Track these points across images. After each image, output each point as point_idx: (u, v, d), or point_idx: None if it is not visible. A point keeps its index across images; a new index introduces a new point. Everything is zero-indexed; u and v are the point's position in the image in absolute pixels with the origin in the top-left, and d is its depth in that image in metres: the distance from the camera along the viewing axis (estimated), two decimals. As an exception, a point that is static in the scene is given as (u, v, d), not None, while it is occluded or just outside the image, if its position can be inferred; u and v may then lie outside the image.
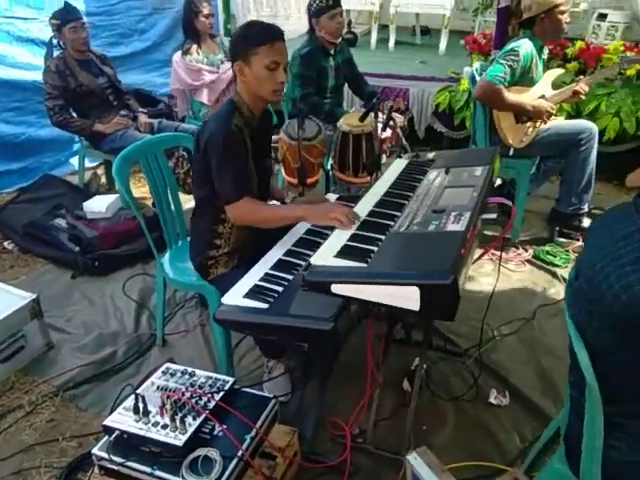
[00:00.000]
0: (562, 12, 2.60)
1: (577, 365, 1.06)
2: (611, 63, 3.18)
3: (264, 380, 1.93)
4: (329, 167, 2.88)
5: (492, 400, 1.98)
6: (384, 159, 2.94)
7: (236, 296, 1.47)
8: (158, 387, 1.54)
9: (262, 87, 1.65)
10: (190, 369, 1.63)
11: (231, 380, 1.57)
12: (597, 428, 1.06)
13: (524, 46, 2.59)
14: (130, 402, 1.46)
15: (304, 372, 1.85)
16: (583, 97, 2.79)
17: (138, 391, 1.48)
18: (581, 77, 2.86)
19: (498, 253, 2.90)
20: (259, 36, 1.60)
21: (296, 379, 1.97)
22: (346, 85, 3.39)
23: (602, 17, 4.81)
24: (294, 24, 5.51)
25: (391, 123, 2.57)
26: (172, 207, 2.06)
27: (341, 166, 2.74)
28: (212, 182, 1.68)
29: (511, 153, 2.80)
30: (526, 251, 2.94)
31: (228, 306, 1.44)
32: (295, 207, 1.87)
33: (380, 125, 2.54)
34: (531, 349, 2.25)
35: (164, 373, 1.62)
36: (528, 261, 2.88)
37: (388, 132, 2.82)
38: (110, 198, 3.01)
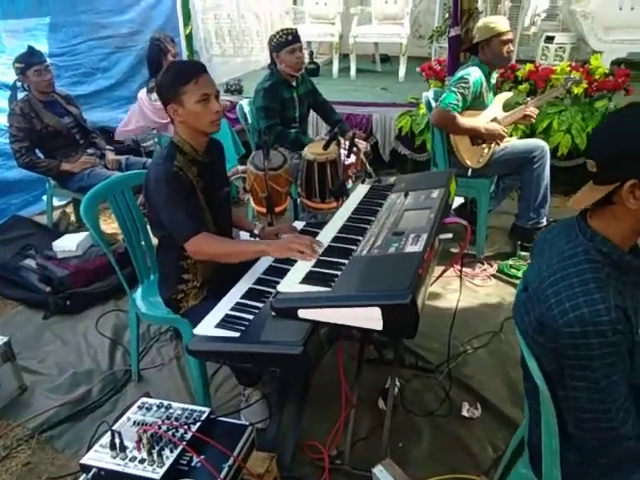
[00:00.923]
0: (503, 42, 2.76)
1: (529, 373, 1.13)
2: (558, 83, 3.37)
3: (241, 408, 1.95)
4: (297, 195, 2.96)
5: (465, 413, 2.04)
6: (350, 184, 3.05)
7: (208, 327, 1.51)
8: (134, 422, 1.55)
9: (200, 121, 1.69)
10: (166, 402, 1.64)
11: (207, 410, 1.59)
12: (552, 431, 1.12)
13: (473, 73, 2.74)
14: (107, 439, 1.47)
15: (280, 397, 1.87)
16: (533, 120, 2.95)
17: (114, 427, 1.49)
18: (528, 99, 3.03)
19: (465, 270, 3.04)
20: (183, 75, 1.66)
21: (273, 405, 2.00)
22: (312, 114, 3.50)
23: (550, 39, 5.10)
24: (256, 56, 5.67)
25: (354, 149, 2.68)
26: (142, 242, 2.10)
27: (308, 193, 2.81)
28: (163, 224, 1.72)
29: (470, 174, 2.93)
30: (491, 266, 3.05)
31: (200, 337, 1.47)
32: (257, 241, 1.92)
33: (344, 152, 2.64)
34: (500, 361, 2.32)
35: (140, 408, 1.63)
36: (494, 275, 2.98)
37: (352, 158, 2.92)
38: (80, 236, 3.02)
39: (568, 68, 3.89)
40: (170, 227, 1.70)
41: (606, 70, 3.90)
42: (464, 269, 3.04)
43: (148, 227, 2.01)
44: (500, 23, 2.76)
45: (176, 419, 1.56)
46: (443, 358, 2.26)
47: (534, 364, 1.08)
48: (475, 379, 2.20)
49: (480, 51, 2.80)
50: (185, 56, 4.28)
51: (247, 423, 1.63)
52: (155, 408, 1.62)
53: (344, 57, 5.72)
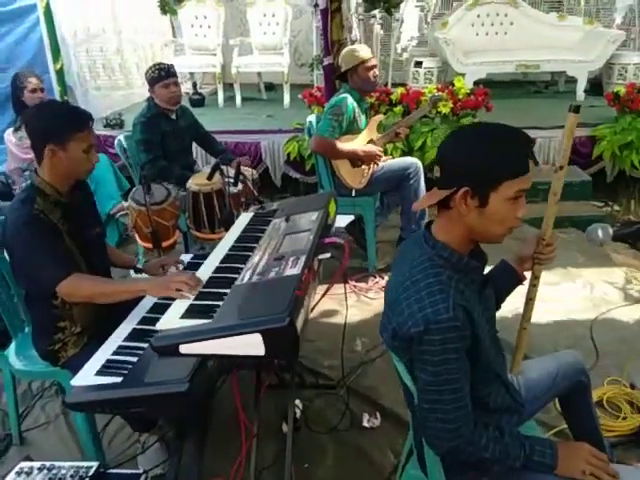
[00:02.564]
0: (368, 68, 2.94)
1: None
2: (425, 104, 3.65)
3: (137, 454, 1.86)
4: (185, 227, 2.91)
5: (365, 424, 2.10)
6: (241, 212, 3.06)
7: (87, 376, 1.43)
8: (12, 491, 1.43)
9: (78, 169, 1.68)
10: (48, 463, 1.52)
11: (95, 464, 1.50)
12: (427, 428, 1.20)
13: (345, 100, 2.90)
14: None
15: (178, 438, 1.81)
16: (402, 137, 3.18)
17: (-12, 501, 1.36)
18: (399, 120, 3.27)
19: (360, 285, 3.16)
20: (78, 121, 1.64)
21: (171, 447, 1.93)
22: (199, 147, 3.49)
23: (419, 64, 5.52)
24: (139, 88, 5.52)
25: (241, 177, 2.71)
26: (12, 292, 1.95)
27: (197, 225, 2.79)
28: (28, 272, 1.63)
29: (354, 194, 3.07)
30: (383, 278, 3.20)
31: (79, 388, 1.39)
32: (135, 280, 1.86)
33: (230, 181, 2.65)
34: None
35: (18, 474, 1.49)
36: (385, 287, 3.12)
37: (240, 186, 2.94)
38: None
39: (435, 90, 4.23)
40: (37, 273, 1.60)
41: (468, 90, 4.30)
42: (358, 284, 3.16)
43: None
44: (363, 51, 2.95)
45: (61, 479, 1.46)
46: (344, 372, 2.32)
47: (402, 367, 1.15)
48: (373, 389, 2.28)
49: (349, 79, 2.97)
50: (57, 92, 4.09)
51: (141, 470, 1.56)
52: (36, 471, 1.50)
53: (229, 86, 5.77)
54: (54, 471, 1.50)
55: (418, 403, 1.15)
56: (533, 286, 1.42)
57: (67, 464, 1.53)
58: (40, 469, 1.51)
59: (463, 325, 1.08)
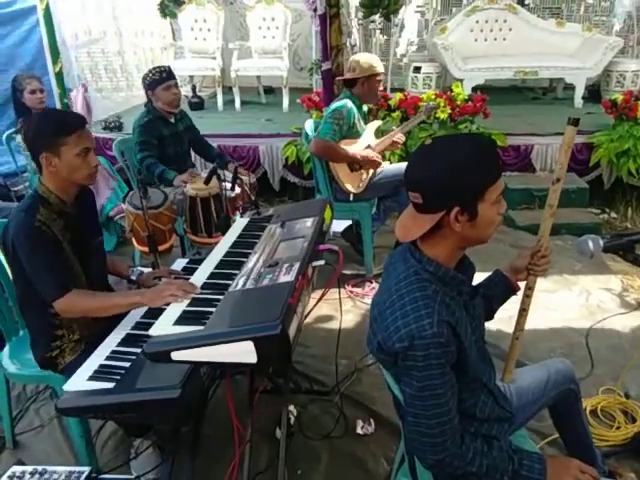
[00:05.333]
0: (378, 81, 2.99)
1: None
2: (420, 113, 3.65)
3: (130, 459, 1.86)
4: (182, 231, 2.91)
5: (359, 430, 2.10)
6: (238, 216, 3.06)
7: (80, 381, 1.43)
8: (3, 496, 1.43)
9: (77, 174, 1.66)
10: (41, 467, 1.52)
11: (87, 470, 1.49)
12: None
13: (346, 106, 2.90)
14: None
15: (171, 443, 1.81)
16: (399, 146, 3.19)
17: (-22, 506, 1.36)
18: (394, 127, 3.27)
19: (356, 290, 3.17)
20: (65, 126, 1.62)
21: (164, 452, 1.93)
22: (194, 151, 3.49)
23: (417, 69, 5.53)
24: (138, 90, 5.53)
25: (238, 181, 2.71)
26: (6, 295, 1.95)
27: (194, 229, 2.79)
28: (29, 279, 1.63)
29: (351, 198, 3.08)
30: (379, 284, 3.19)
31: (71, 393, 1.40)
32: (130, 293, 1.84)
33: (227, 185, 2.66)
34: (390, 375, 2.43)
35: (10, 478, 1.49)
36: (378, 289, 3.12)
37: (238, 190, 2.94)
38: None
39: (433, 96, 4.25)
40: (36, 285, 1.61)
41: (466, 96, 4.31)
42: (354, 289, 3.17)
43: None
44: (380, 65, 2.98)
45: (52, 485, 1.45)
46: (339, 378, 2.32)
47: (390, 378, 1.16)
48: (367, 396, 2.28)
49: (358, 85, 2.97)
50: (56, 94, 4.09)
51: (133, 475, 1.56)
52: (28, 476, 1.50)
53: (229, 90, 5.78)
54: (46, 475, 1.49)
55: (404, 415, 1.16)
56: (527, 297, 1.43)
57: (59, 469, 1.53)
58: (32, 473, 1.50)
59: (447, 341, 1.08)
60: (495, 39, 5.68)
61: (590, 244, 1.29)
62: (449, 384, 1.11)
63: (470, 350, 1.17)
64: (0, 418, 2.17)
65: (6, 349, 1.95)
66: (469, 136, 1.14)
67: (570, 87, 5.41)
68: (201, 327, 1.33)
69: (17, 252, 1.60)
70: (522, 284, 1.48)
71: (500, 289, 1.46)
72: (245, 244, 1.86)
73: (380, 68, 2.98)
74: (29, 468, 1.53)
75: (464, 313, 1.19)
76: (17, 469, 1.53)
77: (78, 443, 1.86)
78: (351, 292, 3.14)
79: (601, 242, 1.28)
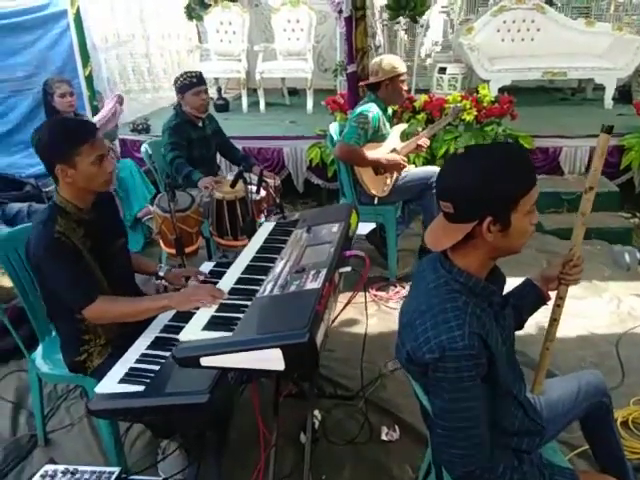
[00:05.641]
0: (402, 81, 2.97)
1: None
2: (447, 115, 3.62)
3: (158, 461, 1.89)
4: (209, 234, 2.94)
5: (384, 437, 2.09)
6: (263, 219, 3.08)
7: (111, 383, 1.46)
8: (37, 494, 1.46)
9: (94, 182, 1.66)
10: (72, 467, 1.56)
11: (117, 471, 1.53)
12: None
13: (371, 109, 2.90)
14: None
15: (198, 445, 1.83)
16: (424, 149, 3.17)
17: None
18: (419, 130, 3.25)
19: (380, 294, 3.15)
20: (78, 136, 1.61)
21: (191, 454, 1.95)
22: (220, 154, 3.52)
23: (443, 70, 5.49)
24: (165, 96, 5.63)
25: (263, 184, 2.72)
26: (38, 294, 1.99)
27: (220, 232, 2.82)
28: (53, 290, 1.66)
29: (376, 202, 3.07)
30: (404, 288, 3.18)
31: (102, 395, 1.42)
32: (158, 297, 1.84)
33: (252, 188, 2.68)
34: (416, 380, 2.41)
35: (43, 477, 1.53)
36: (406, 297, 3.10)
37: (263, 193, 2.96)
38: (-26, 295, 2.81)
39: (459, 97, 4.20)
40: (61, 295, 1.64)
41: (492, 98, 4.25)
42: (378, 293, 3.16)
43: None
44: (402, 65, 2.96)
45: (83, 484, 1.49)
46: (363, 383, 2.31)
47: (418, 388, 1.15)
48: (392, 402, 2.27)
49: (382, 88, 2.96)
50: (86, 97, 4.18)
51: (161, 477, 1.58)
52: (60, 475, 1.53)
53: (253, 91, 5.82)
54: (77, 475, 1.53)
55: (433, 426, 1.15)
56: (558, 306, 1.40)
57: (89, 469, 1.56)
58: (64, 473, 1.54)
59: (479, 353, 1.07)
60: (522, 39, 5.60)
61: (627, 257, 1.26)
62: (479, 396, 1.10)
63: (501, 362, 1.15)
64: (33, 416, 2.23)
65: (39, 349, 2.00)
66: (502, 144, 1.12)
67: (600, 87, 5.30)
68: (230, 333, 1.34)
69: (39, 264, 1.63)
70: (552, 294, 1.45)
71: (530, 299, 1.43)
72: (272, 249, 1.86)
73: (402, 68, 2.96)
74: (61, 467, 1.57)
75: (494, 324, 1.18)
76: (49, 468, 1.57)
77: (107, 443, 1.89)
78: (375, 296, 3.13)
79: (638, 255, 1.25)
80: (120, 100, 3.65)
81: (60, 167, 1.61)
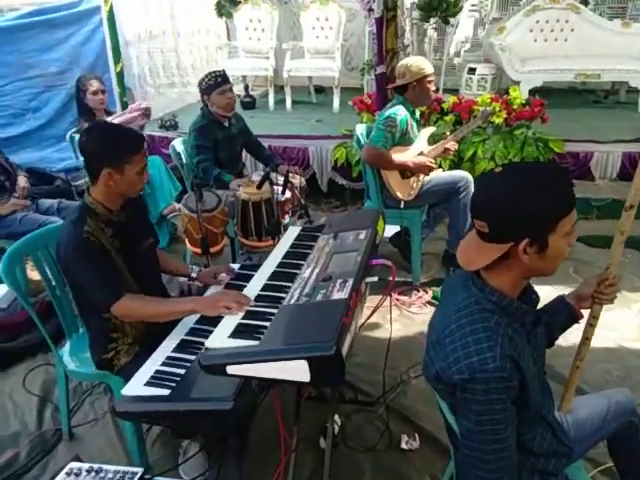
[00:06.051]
0: (430, 82, 2.92)
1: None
2: (476, 119, 3.56)
3: (179, 463, 1.91)
4: (233, 234, 2.96)
5: (404, 445, 2.08)
6: (287, 220, 3.08)
7: (137, 385, 1.48)
8: (62, 491, 1.49)
9: (131, 190, 1.73)
10: (97, 465, 1.58)
11: (140, 471, 1.54)
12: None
13: (399, 112, 2.87)
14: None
15: (219, 448, 1.84)
16: (451, 153, 3.13)
17: (40, 500, 1.42)
18: (447, 133, 3.20)
19: (403, 298, 3.13)
20: (133, 146, 1.68)
21: (212, 456, 1.97)
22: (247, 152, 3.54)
23: (472, 70, 5.40)
24: (193, 92, 5.65)
25: (289, 185, 2.72)
26: (67, 290, 2.02)
27: (244, 232, 2.83)
28: (83, 288, 1.70)
29: (402, 205, 3.04)
30: (427, 293, 3.15)
31: (128, 397, 1.44)
32: (184, 300, 1.85)
33: (278, 189, 2.68)
34: (437, 389, 2.39)
35: (68, 475, 1.55)
36: (429, 302, 3.07)
37: (288, 194, 2.96)
38: (4, 288, 2.86)
39: (488, 100, 4.13)
40: (90, 294, 1.68)
41: (523, 100, 4.17)
42: (401, 297, 3.13)
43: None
44: (428, 66, 2.92)
45: (107, 484, 1.51)
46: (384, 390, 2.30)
47: (445, 406, 1.13)
48: (413, 409, 2.25)
49: (409, 90, 2.92)
50: (116, 93, 4.23)
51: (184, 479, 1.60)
52: (84, 473, 1.56)
53: (280, 89, 5.82)
54: (101, 474, 1.55)
55: (459, 446, 1.13)
56: (591, 325, 1.37)
57: (113, 468, 1.58)
58: (88, 471, 1.56)
59: (510, 375, 1.05)
60: (556, 40, 5.47)
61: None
62: (510, 419, 1.08)
63: (532, 384, 1.13)
64: (58, 410, 2.28)
65: (67, 347, 2.03)
66: (541, 163, 1.08)
67: (634, 90, 5.15)
68: (256, 342, 1.34)
69: (69, 264, 1.67)
70: (585, 312, 1.42)
71: (562, 317, 1.40)
72: (298, 255, 1.86)
73: (429, 69, 2.91)
74: (85, 465, 1.59)
75: (526, 344, 1.15)
76: (74, 465, 1.59)
77: (130, 442, 1.92)
78: (397, 300, 3.11)
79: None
80: (147, 113, 3.66)
81: (108, 171, 1.65)
